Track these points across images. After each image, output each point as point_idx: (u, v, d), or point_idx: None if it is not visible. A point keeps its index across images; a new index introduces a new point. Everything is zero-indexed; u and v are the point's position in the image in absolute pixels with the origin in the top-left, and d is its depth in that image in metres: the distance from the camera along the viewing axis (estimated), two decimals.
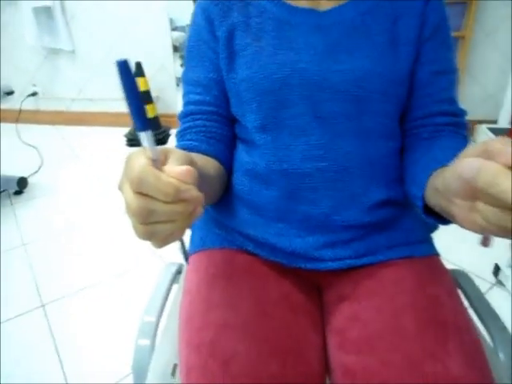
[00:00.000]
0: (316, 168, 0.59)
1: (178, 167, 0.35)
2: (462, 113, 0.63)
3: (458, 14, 2.31)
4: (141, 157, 0.34)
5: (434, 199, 0.48)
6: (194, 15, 0.66)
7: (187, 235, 0.50)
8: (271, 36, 0.60)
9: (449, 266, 0.69)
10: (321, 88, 0.57)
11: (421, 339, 0.49)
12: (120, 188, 0.36)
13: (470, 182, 0.33)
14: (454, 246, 1.53)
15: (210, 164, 0.60)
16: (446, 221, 0.49)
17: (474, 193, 0.34)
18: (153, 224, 0.35)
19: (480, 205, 0.34)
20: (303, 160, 0.59)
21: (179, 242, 0.44)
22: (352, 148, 0.59)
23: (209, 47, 0.64)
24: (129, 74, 0.33)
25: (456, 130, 0.61)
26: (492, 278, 1.48)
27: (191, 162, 0.39)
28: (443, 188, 0.42)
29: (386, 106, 0.59)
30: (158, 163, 0.35)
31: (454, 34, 2.34)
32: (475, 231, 0.37)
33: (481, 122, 2.51)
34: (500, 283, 1.45)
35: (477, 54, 2.43)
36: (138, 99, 0.34)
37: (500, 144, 0.32)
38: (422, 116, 0.62)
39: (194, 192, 0.35)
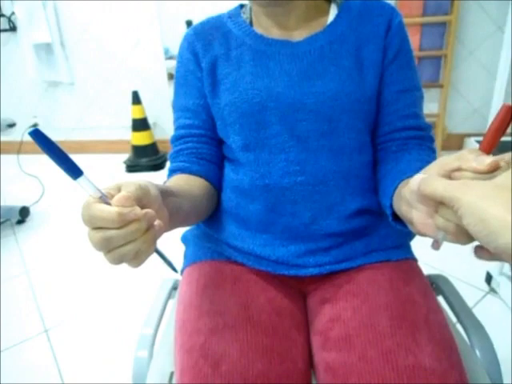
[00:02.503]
0: (294, 182, 0.63)
1: (116, 195, 0.39)
2: (427, 127, 0.68)
3: (439, 34, 2.40)
4: (87, 199, 0.39)
5: (397, 207, 0.53)
6: (180, 49, 0.72)
7: (174, 249, 0.54)
8: (250, 65, 0.66)
9: (446, 276, 0.77)
10: (296, 109, 0.62)
11: (394, 335, 0.53)
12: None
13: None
14: (448, 257, 1.57)
15: (196, 184, 0.66)
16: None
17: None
18: (116, 249, 0.39)
19: (443, 208, 0.39)
20: (283, 175, 0.64)
21: (161, 258, 0.46)
22: (327, 163, 0.64)
23: (195, 77, 0.70)
24: (44, 139, 0.37)
25: (421, 143, 0.66)
26: (485, 286, 1.51)
27: (145, 187, 0.43)
28: (409, 194, 0.46)
29: (356, 122, 0.64)
30: (107, 198, 0.39)
31: (435, 52, 2.43)
32: (428, 234, 0.43)
33: (469, 135, 2.58)
34: (493, 291, 1.48)
35: (461, 70, 2.51)
36: (61, 156, 0.38)
37: (471, 153, 0.38)
38: (389, 131, 0.67)
39: (137, 211, 0.39)
